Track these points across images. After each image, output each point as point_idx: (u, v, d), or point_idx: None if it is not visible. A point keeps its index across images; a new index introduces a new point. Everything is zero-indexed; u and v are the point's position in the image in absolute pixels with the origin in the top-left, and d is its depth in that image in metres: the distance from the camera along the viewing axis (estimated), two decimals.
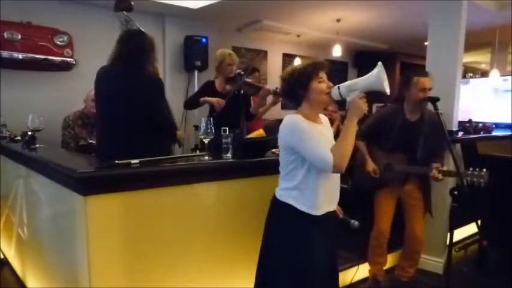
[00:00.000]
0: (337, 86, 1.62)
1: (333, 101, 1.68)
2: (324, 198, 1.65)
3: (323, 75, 1.66)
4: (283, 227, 1.69)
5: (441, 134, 2.21)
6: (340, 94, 1.61)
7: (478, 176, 2.17)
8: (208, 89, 3.03)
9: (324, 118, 1.80)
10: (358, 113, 1.57)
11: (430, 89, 2.43)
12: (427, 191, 2.60)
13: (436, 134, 2.39)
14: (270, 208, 1.77)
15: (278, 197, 1.71)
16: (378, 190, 2.65)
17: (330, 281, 1.74)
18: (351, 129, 1.56)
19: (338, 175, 1.70)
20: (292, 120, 1.61)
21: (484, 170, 2.18)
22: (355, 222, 1.80)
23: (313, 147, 1.54)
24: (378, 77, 1.53)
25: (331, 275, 1.76)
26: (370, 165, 2.57)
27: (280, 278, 1.68)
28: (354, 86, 1.59)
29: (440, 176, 2.32)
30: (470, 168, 2.20)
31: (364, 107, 1.57)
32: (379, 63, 1.55)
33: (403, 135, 2.51)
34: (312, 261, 1.65)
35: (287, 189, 1.68)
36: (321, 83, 1.64)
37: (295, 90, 1.66)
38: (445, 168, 2.41)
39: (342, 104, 1.84)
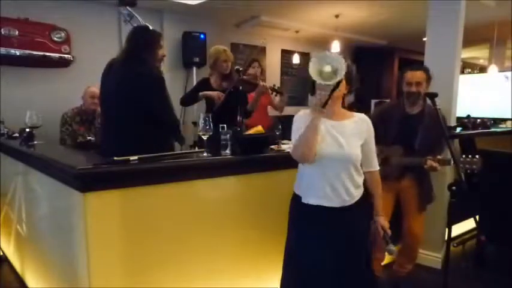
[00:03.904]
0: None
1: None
2: (312, 188, 1.69)
3: None
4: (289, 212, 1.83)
5: (440, 129, 2.21)
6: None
7: (471, 163, 2.17)
8: (204, 86, 3.01)
9: (353, 117, 1.74)
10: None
11: (419, 83, 2.40)
12: (425, 187, 2.59)
13: (435, 129, 2.39)
14: None
15: None
16: None
17: (332, 279, 1.68)
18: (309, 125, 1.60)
19: (335, 170, 1.65)
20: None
21: (477, 156, 2.17)
22: (391, 247, 1.76)
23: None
24: (310, 69, 1.53)
25: (331, 274, 1.68)
26: None
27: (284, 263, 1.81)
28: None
29: (434, 164, 2.30)
30: (463, 156, 2.21)
31: (314, 101, 1.61)
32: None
33: (402, 127, 2.50)
34: (299, 252, 1.72)
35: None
36: None
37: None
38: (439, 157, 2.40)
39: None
